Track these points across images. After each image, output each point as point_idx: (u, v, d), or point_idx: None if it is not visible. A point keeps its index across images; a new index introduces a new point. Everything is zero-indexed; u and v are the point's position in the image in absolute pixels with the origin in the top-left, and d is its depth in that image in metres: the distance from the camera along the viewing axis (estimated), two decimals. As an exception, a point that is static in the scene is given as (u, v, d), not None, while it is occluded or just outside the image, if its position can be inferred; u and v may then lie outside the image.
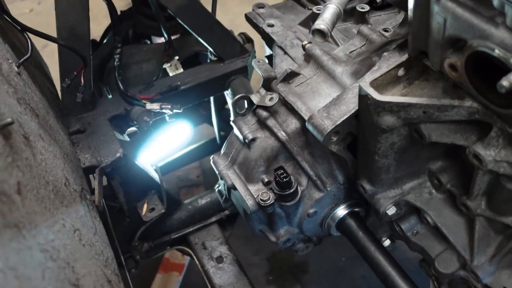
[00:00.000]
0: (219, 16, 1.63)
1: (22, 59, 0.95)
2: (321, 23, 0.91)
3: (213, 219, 1.66)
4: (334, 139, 1.01)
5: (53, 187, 0.80)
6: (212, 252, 1.60)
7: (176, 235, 1.61)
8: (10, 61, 0.95)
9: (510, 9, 0.65)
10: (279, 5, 1.56)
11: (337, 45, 1.31)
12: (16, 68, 0.95)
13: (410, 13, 0.83)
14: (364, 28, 1.23)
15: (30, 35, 1.13)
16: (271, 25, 1.43)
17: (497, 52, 0.69)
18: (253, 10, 1.52)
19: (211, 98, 1.84)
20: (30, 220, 0.62)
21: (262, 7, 1.51)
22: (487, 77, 0.75)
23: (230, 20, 1.78)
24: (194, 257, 1.61)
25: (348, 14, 1.37)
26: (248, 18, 1.51)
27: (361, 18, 1.32)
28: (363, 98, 0.91)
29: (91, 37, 1.77)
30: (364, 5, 1.31)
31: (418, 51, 0.89)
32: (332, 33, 1.30)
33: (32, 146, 0.80)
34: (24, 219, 0.60)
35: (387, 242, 1.32)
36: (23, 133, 0.78)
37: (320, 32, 0.92)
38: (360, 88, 0.90)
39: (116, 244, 1.42)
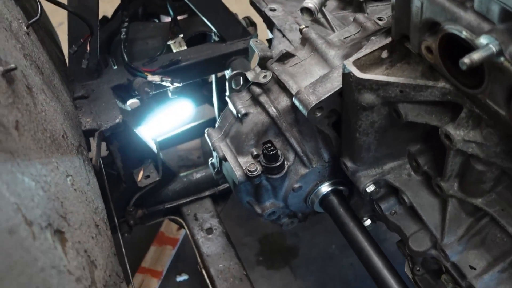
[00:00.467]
0: (232, 4, 1.68)
1: (32, 20, 1.02)
2: (309, 2, 0.97)
3: (207, 193, 1.73)
4: (318, 114, 1.06)
5: (50, 135, 0.87)
6: (203, 224, 1.67)
7: (170, 205, 1.68)
8: (20, 21, 1.02)
9: (477, -7, 0.70)
10: (282, -9, 1.61)
11: (334, 31, 1.36)
12: (25, 28, 1.02)
13: (393, -3, 0.89)
14: (360, 16, 1.28)
15: (42, 2, 1.20)
16: (273, 10, 1.49)
17: (464, 33, 0.74)
18: (259, -5, 1.57)
19: (213, 81, 1.90)
20: (24, 153, 0.68)
21: (267, -8, 1.57)
22: (458, 59, 0.80)
23: (243, 10, 1.83)
24: (186, 227, 1.68)
25: (347, 3, 1.42)
26: (252, 2, 1.56)
27: (359, 7, 1.37)
28: (346, 75, 0.96)
29: (103, 14, 1.85)
30: (363, -6, 1.36)
31: (400, 35, 0.95)
32: (330, 20, 1.36)
33: (34, 96, 0.87)
34: (19, 151, 0.66)
35: (367, 222, 1.38)
36: (26, 83, 0.85)
37: (307, 10, 0.98)
38: (344, 66, 0.96)
39: (111, 208, 1.49)
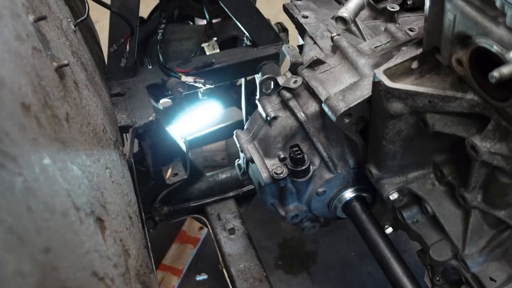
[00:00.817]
0: (264, 10, 1.73)
1: (79, 19, 1.08)
2: (344, 11, 1.01)
3: (231, 194, 1.77)
4: (347, 121, 1.09)
5: (93, 128, 0.92)
6: (226, 224, 1.71)
7: (195, 204, 1.73)
8: (69, 19, 1.08)
9: (510, 10, 0.72)
10: (316, -1, 1.65)
11: (365, 40, 1.39)
12: (73, 26, 1.08)
13: (426, 10, 0.91)
14: (391, 26, 1.30)
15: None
16: (306, 17, 1.52)
17: (495, 48, 0.76)
18: (291, 1, 1.61)
19: (243, 84, 1.95)
20: (73, 144, 0.74)
21: (300, 0, 1.61)
22: (487, 72, 0.83)
23: (273, 15, 1.88)
24: (209, 226, 1.73)
25: (378, 12, 1.45)
26: (285, 9, 1.60)
27: (390, 18, 1.40)
28: (376, 84, 0.99)
29: (140, 15, 1.92)
30: (395, 5, 1.39)
31: (431, 47, 0.97)
32: (362, 29, 1.39)
33: (80, 92, 0.93)
34: (69, 142, 0.72)
35: (389, 230, 1.39)
36: (73, 79, 0.91)
37: (342, 19, 1.01)
38: (374, 75, 0.99)
39: (139, 203, 1.55)
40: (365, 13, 1.49)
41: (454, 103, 0.92)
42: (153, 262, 1.48)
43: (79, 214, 0.64)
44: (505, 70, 0.70)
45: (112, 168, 0.97)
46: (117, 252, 0.79)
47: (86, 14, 1.07)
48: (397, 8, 1.39)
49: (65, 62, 0.79)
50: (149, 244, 1.55)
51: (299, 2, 1.61)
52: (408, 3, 1.43)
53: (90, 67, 1.16)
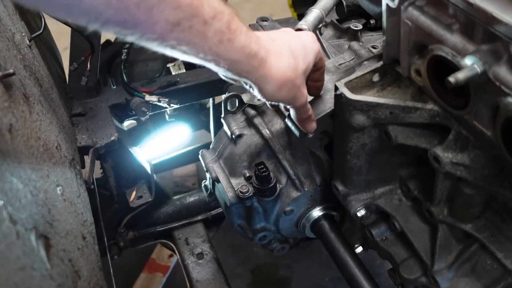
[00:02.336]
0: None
1: (34, 34, 1.05)
2: (303, 23, 1.01)
3: (199, 217, 1.72)
4: (310, 136, 1.08)
5: (43, 143, 0.88)
6: (194, 249, 1.65)
7: (162, 228, 1.67)
8: (23, 34, 1.05)
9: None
10: (281, 20, 1.66)
11: (329, 58, 1.39)
12: (28, 41, 1.05)
13: (384, 22, 0.92)
14: (355, 44, 1.31)
15: (46, 19, 1.24)
16: (271, 37, 1.53)
17: (450, 55, 0.76)
18: (257, 22, 1.62)
19: (211, 106, 1.93)
20: (15, 155, 0.69)
21: (266, 20, 1.61)
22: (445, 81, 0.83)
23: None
24: (176, 252, 1.66)
25: (342, 32, 1.46)
26: (250, 28, 1.61)
27: (354, 36, 1.41)
28: (337, 97, 0.98)
29: (107, 38, 1.90)
30: (358, 24, 1.41)
31: (391, 59, 0.97)
32: (326, 47, 1.40)
33: (30, 105, 0.88)
34: (10, 153, 0.67)
35: (359, 249, 1.36)
36: (23, 92, 0.87)
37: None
38: (336, 88, 0.98)
39: (102, 228, 1.48)
40: (329, 32, 1.50)
41: (415, 113, 0.92)
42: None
43: (16, 228, 0.59)
44: (460, 75, 0.70)
45: (64, 186, 0.92)
46: (63, 273, 0.73)
47: (42, 29, 1.04)
48: (360, 27, 1.41)
49: (11, 71, 0.75)
50: (112, 273, 1.48)
51: (264, 23, 1.61)
52: (371, 22, 1.46)
53: (46, 83, 1.12)
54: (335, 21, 1.48)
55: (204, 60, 0.76)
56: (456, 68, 0.76)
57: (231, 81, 0.90)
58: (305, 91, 0.93)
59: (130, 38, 0.68)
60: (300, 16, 1.71)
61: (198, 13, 0.69)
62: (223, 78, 0.88)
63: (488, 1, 0.67)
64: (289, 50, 0.87)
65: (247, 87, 0.88)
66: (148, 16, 0.64)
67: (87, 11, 0.60)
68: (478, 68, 0.70)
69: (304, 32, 0.97)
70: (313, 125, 1.01)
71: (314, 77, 1.02)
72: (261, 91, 0.87)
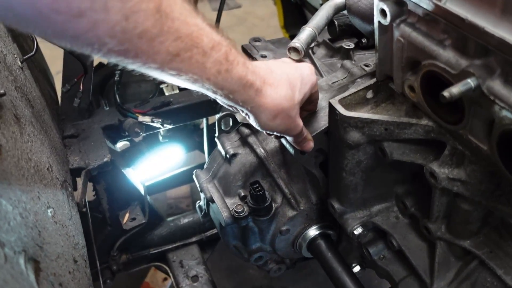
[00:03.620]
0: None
1: (26, 56, 1.05)
2: (296, 42, 1.01)
3: (194, 239, 1.70)
4: (305, 154, 1.07)
5: (34, 165, 0.86)
6: (188, 271, 1.62)
7: (155, 251, 1.64)
8: (15, 56, 1.04)
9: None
10: (274, 40, 1.67)
11: (322, 76, 1.40)
12: (19, 63, 1.04)
13: (376, 39, 0.92)
14: (347, 63, 1.32)
15: (39, 42, 1.23)
16: (264, 56, 1.53)
17: (443, 70, 0.76)
18: (249, 42, 1.63)
19: (205, 126, 1.92)
20: (5, 177, 0.68)
21: (258, 41, 1.62)
22: (439, 96, 0.82)
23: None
24: (170, 275, 1.63)
25: (335, 51, 1.47)
26: (244, 49, 1.61)
27: (346, 55, 1.42)
28: (332, 114, 0.98)
29: (100, 61, 1.90)
30: (350, 43, 1.42)
31: (384, 76, 0.98)
32: (319, 66, 1.40)
33: (21, 126, 0.87)
34: (0, 173, 0.66)
35: (356, 268, 1.34)
36: (14, 113, 0.86)
37: (294, 50, 1.02)
38: (330, 105, 0.98)
39: (94, 251, 1.45)
40: (321, 51, 1.51)
41: (410, 129, 0.91)
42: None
43: (4, 251, 0.57)
44: (454, 90, 0.70)
45: (56, 208, 0.90)
46: (53, 298, 0.71)
47: (34, 51, 1.03)
48: (352, 46, 1.42)
49: (1, 91, 0.74)
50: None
51: (257, 43, 1.62)
52: (363, 41, 1.47)
53: (38, 105, 1.11)
54: (327, 41, 1.48)
55: (202, 88, 0.78)
56: (449, 83, 0.76)
57: (228, 107, 0.91)
58: (299, 121, 0.94)
59: (131, 66, 0.69)
60: (292, 37, 1.72)
61: (198, 44, 0.71)
62: (220, 103, 0.89)
63: (479, 16, 0.67)
64: (287, 80, 0.89)
65: (244, 114, 0.89)
66: (150, 47, 0.65)
67: (92, 42, 0.61)
68: (472, 83, 0.70)
69: (303, 64, 0.99)
70: (310, 144, 1.01)
71: (307, 108, 1.05)
72: (256, 119, 0.88)
